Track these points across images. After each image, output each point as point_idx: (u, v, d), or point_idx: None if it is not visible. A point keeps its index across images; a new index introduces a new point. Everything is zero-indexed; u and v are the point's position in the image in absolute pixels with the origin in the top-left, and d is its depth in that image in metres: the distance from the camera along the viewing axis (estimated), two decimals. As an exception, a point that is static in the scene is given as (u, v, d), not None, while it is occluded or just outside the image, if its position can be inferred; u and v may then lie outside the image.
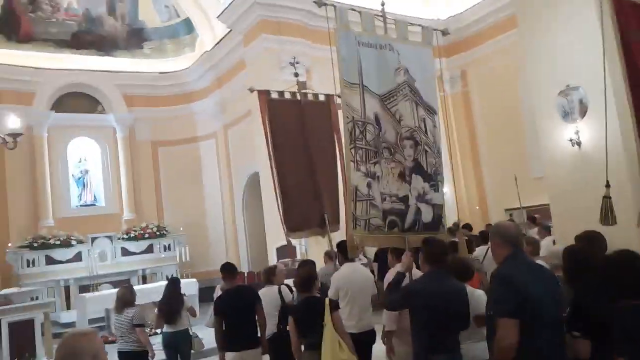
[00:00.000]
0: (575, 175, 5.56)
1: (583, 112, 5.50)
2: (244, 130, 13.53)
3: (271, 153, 5.71)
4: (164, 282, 11.83)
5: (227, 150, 15.16)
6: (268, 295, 5.27)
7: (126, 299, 5.75)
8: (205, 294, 11.36)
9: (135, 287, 10.96)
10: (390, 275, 4.12)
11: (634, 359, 2.44)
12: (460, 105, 14.17)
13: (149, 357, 5.75)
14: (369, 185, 3.92)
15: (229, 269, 5.33)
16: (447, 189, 13.37)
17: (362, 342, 4.37)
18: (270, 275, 5.54)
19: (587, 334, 2.82)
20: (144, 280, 13.47)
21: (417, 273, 3.91)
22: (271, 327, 5.10)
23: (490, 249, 3.25)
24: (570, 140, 5.60)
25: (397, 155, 4.10)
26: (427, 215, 4.11)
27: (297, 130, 5.80)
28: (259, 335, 5.08)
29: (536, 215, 9.70)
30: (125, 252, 13.83)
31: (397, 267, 3.89)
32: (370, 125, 4.01)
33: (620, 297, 2.59)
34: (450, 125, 13.73)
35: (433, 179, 4.21)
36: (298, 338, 4.15)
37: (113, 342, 9.56)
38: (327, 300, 4.06)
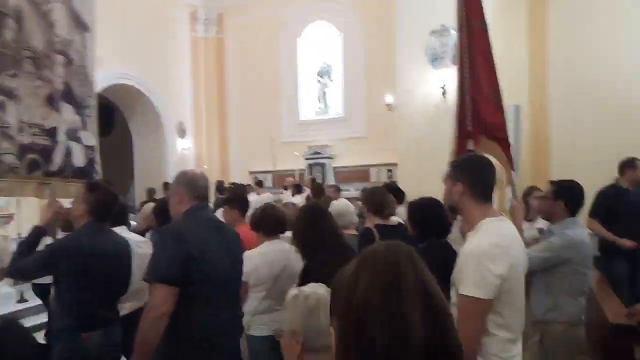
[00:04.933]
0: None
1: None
2: None
3: None
4: None
5: None
6: None
7: None
8: None
9: None
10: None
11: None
12: (213, 51, 13.94)
13: None
14: (2, 106, 3.12)
15: None
16: (189, 140, 13.35)
17: None
18: None
19: None
20: None
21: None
22: None
23: (170, 203, 2.77)
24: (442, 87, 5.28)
25: (46, 71, 3.32)
26: (79, 157, 3.52)
27: None
28: None
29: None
30: None
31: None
32: (12, 20, 3.18)
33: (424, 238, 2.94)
34: (199, 72, 13.40)
35: (82, 113, 3.61)
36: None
37: None
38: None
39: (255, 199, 8.91)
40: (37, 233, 3.09)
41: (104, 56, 10.61)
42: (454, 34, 4.68)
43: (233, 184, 10.55)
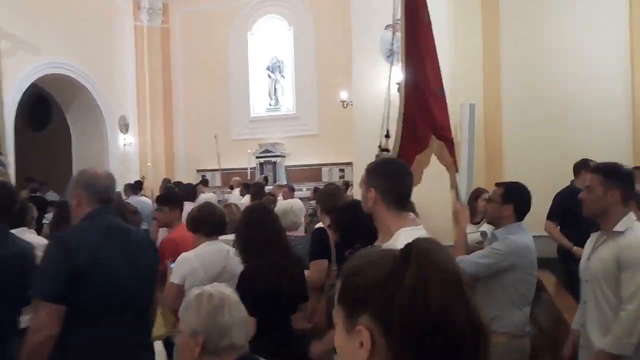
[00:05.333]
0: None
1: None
2: None
3: None
4: None
5: None
6: None
7: None
8: None
9: None
10: None
11: None
12: (158, 43, 13.46)
13: None
14: None
15: None
16: (132, 136, 12.79)
17: None
18: None
19: None
20: None
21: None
22: None
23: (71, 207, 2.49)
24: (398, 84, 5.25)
25: None
26: (-25, 150, 3.09)
27: None
28: None
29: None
30: None
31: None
32: None
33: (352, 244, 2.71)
34: (143, 63, 12.85)
35: None
36: None
37: None
38: None
39: (202, 198, 8.53)
40: None
41: (39, 44, 10.01)
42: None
43: (177, 183, 10.06)
